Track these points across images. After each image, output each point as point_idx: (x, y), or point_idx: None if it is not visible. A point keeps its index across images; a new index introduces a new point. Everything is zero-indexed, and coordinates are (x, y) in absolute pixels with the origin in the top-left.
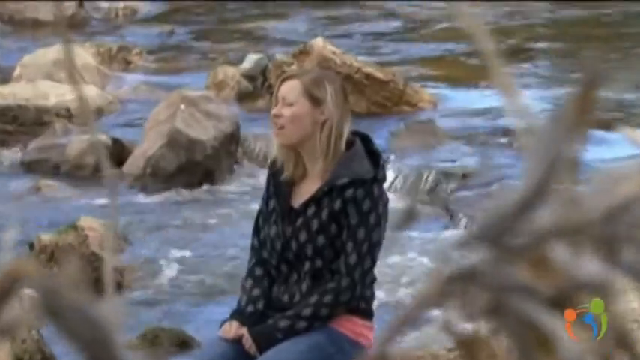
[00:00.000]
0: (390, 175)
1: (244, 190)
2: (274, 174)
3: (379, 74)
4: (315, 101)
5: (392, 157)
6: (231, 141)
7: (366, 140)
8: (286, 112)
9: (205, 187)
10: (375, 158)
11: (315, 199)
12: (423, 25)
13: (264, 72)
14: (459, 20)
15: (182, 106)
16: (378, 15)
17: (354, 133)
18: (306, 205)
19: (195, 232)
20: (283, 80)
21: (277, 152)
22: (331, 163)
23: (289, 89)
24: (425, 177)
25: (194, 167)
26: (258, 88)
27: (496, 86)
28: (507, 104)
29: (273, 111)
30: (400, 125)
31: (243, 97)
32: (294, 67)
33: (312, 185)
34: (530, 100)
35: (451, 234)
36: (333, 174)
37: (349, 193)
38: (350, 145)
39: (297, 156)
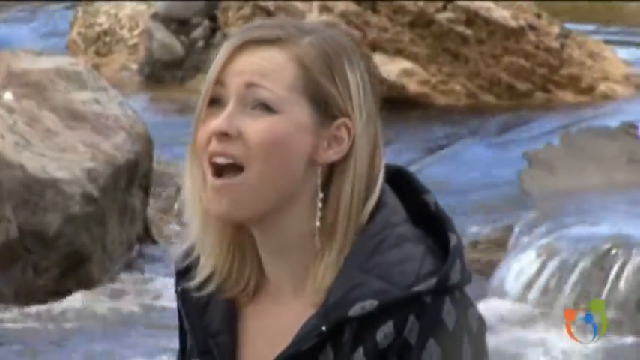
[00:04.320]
0: (518, 262)
1: (160, 303)
2: (189, 295)
3: (502, 14)
4: (324, 107)
5: (530, 217)
6: (131, 181)
7: (408, 184)
8: (250, 128)
9: (64, 300)
10: (438, 230)
11: (297, 356)
12: None
13: (210, 12)
14: None
15: (7, 96)
16: None
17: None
18: None
19: None
20: (240, 48)
21: (203, 240)
22: (336, 257)
23: (261, 69)
24: (618, 265)
25: (39, 250)
26: (195, 48)
27: None
28: None
29: (212, 126)
30: (551, 139)
31: (160, 72)
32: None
33: (284, 314)
34: None
35: None
36: (338, 286)
37: (384, 334)
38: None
39: (248, 247)
